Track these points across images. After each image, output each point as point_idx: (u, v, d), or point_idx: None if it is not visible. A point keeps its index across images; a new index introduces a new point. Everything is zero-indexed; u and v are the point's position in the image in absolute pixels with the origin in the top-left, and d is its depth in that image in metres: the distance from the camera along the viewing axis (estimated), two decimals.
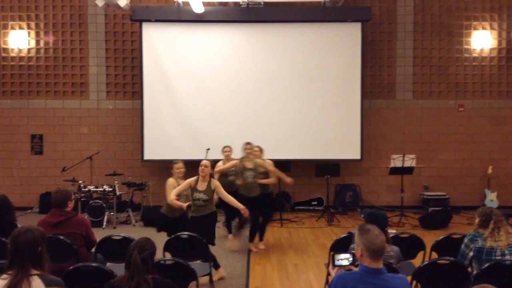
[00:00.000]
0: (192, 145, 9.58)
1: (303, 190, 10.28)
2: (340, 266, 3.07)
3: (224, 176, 7.37)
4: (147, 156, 9.77)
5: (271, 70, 9.80)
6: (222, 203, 7.10)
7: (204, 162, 5.69)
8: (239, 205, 5.62)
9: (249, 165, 6.98)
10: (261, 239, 7.22)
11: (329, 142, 9.87)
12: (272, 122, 9.80)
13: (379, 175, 10.11)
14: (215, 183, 5.69)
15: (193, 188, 5.60)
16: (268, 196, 7.20)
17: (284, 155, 9.63)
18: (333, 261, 3.10)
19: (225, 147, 7.71)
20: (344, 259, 3.08)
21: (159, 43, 9.78)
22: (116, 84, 10.24)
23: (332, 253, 3.20)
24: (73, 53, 10.21)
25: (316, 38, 9.81)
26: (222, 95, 9.76)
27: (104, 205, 8.39)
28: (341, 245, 4.53)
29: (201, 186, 5.59)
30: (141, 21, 9.73)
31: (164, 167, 10.15)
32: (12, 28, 10.16)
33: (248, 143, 7.23)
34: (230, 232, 7.61)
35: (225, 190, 6.18)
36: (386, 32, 10.26)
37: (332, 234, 7.98)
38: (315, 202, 10.17)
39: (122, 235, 4.63)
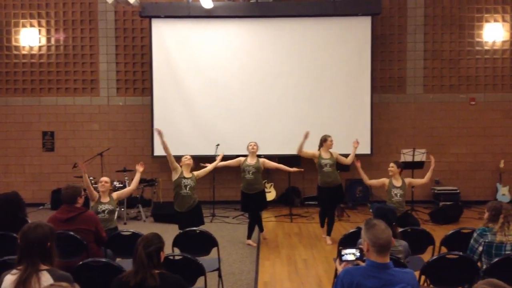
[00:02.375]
0: (202, 141, 9.61)
1: (313, 185, 10.21)
2: (347, 261, 3.07)
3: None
4: (157, 152, 9.78)
5: (281, 65, 9.78)
6: (244, 208, 7.26)
7: (104, 178, 5.67)
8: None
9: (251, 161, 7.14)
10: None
11: (338, 137, 9.71)
12: (281, 117, 9.79)
13: None
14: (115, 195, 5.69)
15: (98, 202, 5.51)
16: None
17: (293, 150, 9.55)
18: (340, 256, 3.09)
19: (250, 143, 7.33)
20: (350, 253, 3.07)
21: (169, 39, 9.80)
22: (126, 80, 10.29)
23: (340, 248, 3.19)
24: (83, 50, 10.28)
25: (325, 32, 9.77)
26: (231, 90, 9.77)
27: None
28: (349, 240, 4.52)
29: (104, 199, 5.56)
30: (150, 18, 9.76)
31: None
32: (23, 26, 10.25)
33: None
34: (249, 237, 7.24)
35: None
36: (396, 25, 10.17)
37: (341, 229, 7.95)
38: None
39: (131, 230, 4.68)
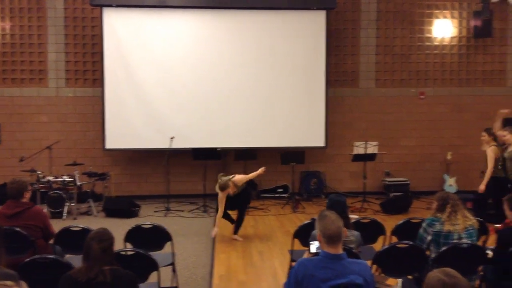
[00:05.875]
0: (155, 134, 9.42)
1: (269, 177, 10.26)
2: (312, 253, 3.14)
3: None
4: (109, 145, 9.56)
5: (236, 58, 9.71)
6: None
7: None
8: None
9: None
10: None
11: (294, 130, 9.92)
12: (237, 110, 9.74)
13: (343, 162, 10.23)
14: None
15: None
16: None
17: (250, 143, 9.63)
18: (309, 248, 3.17)
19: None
20: (315, 245, 3.15)
21: (121, 29, 9.53)
22: (76, 71, 9.94)
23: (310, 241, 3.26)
24: (31, 39, 9.83)
25: (282, 25, 9.78)
26: (186, 82, 9.62)
27: (64, 195, 8.19)
28: (304, 232, 4.56)
29: None
30: (101, 6, 9.45)
31: (127, 156, 10.01)
32: None
33: None
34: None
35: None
36: (350, 20, 10.32)
37: (297, 220, 8.04)
38: (281, 190, 10.23)
39: (81, 226, 4.54)
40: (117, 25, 9.50)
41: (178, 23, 9.62)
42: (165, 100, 9.61)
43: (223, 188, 6.69)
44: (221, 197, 6.75)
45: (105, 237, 2.90)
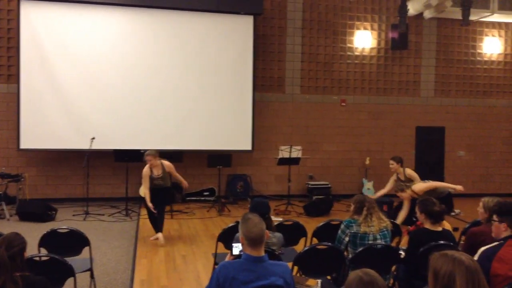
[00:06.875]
0: (75, 134, 9.05)
1: (195, 181, 10.22)
2: (234, 255, 3.14)
3: None
4: (24, 145, 9.03)
5: (164, 58, 9.56)
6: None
7: None
8: None
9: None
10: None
11: (221, 133, 9.94)
12: (163, 112, 9.59)
13: (269, 166, 10.40)
14: None
15: None
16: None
17: (176, 146, 9.52)
18: (231, 250, 3.17)
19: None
20: (237, 247, 3.16)
21: (40, 24, 9.04)
22: None
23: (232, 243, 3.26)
24: None
25: (209, 28, 9.77)
26: (109, 81, 9.32)
27: None
28: (228, 235, 4.57)
29: None
30: None
31: (44, 157, 9.51)
32: None
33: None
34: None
35: None
36: (276, 27, 10.54)
37: (222, 223, 8.05)
38: (207, 193, 10.19)
39: None
40: (35, 19, 9.02)
41: (101, 19, 9.31)
42: (86, 98, 9.25)
43: (148, 154, 6.70)
44: (145, 172, 6.75)
45: (15, 243, 2.76)
